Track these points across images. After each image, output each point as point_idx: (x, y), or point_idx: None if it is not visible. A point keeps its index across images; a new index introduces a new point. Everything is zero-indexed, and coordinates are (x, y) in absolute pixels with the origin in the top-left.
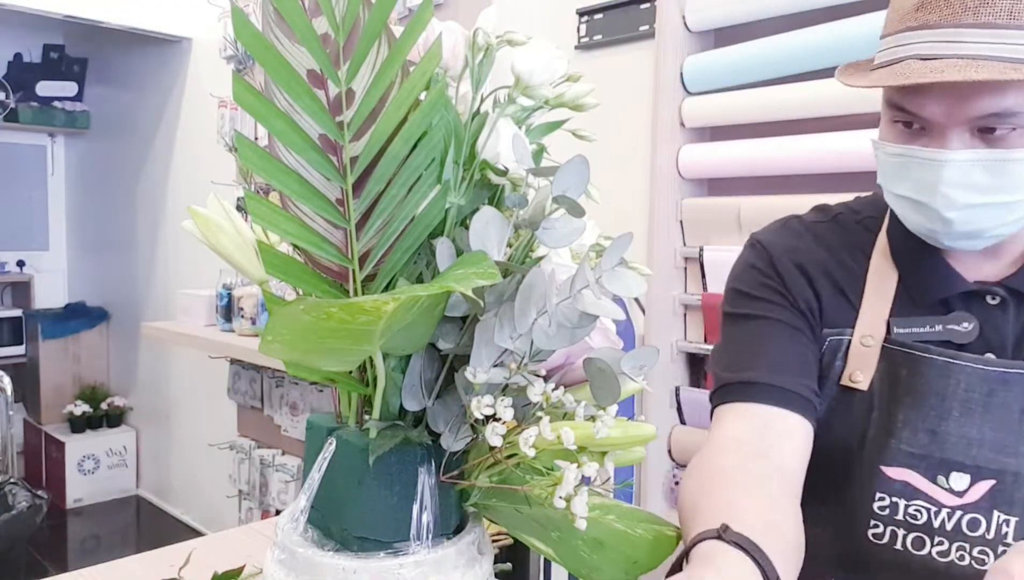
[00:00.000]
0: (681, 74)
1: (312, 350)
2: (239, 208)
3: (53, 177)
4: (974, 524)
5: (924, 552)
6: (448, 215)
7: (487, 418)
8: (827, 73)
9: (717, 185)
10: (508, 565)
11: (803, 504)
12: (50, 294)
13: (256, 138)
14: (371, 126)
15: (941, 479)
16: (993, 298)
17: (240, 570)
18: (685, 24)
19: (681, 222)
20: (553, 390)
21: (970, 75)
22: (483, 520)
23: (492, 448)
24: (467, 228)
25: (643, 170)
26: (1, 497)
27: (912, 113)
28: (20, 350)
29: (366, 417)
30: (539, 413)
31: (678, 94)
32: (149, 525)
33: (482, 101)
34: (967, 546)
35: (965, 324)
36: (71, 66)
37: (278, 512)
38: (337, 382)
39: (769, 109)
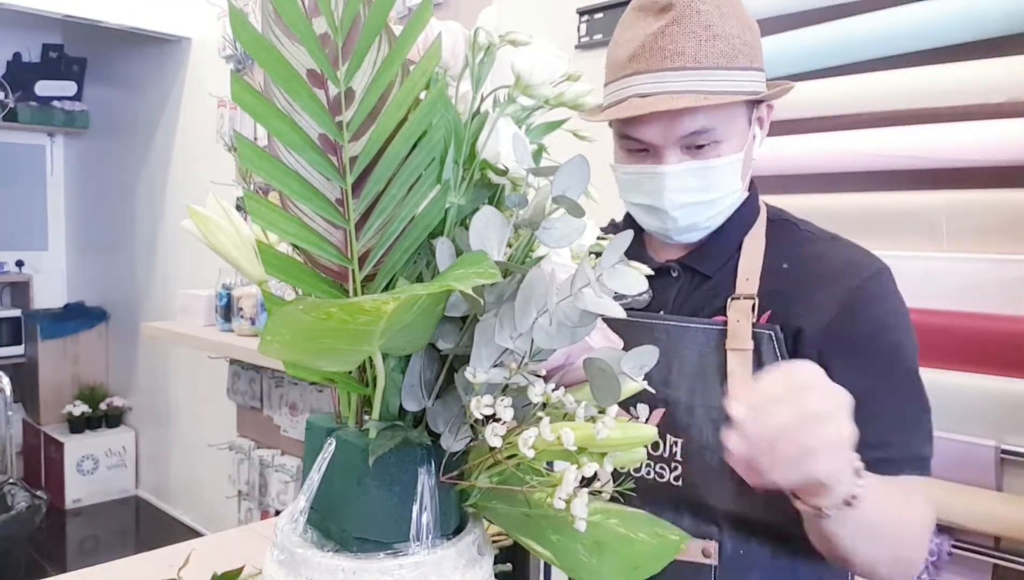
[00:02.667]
0: None
1: (312, 350)
2: (238, 208)
3: (52, 177)
4: (654, 446)
5: (639, 474)
6: (448, 215)
7: (487, 418)
8: (825, 73)
9: None
10: (508, 566)
11: None
12: (49, 294)
13: (255, 138)
14: (371, 126)
15: (632, 410)
16: (673, 272)
17: (240, 570)
18: None
19: None
20: (553, 390)
21: (674, 104)
22: (483, 521)
23: (492, 449)
24: (467, 228)
25: None
26: (0, 497)
27: (637, 139)
28: (19, 350)
29: (366, 417)
30: (539, 413)
31: None
32: (148, 525)
33: (482, 101)
34: (651, 463)
35: (643, 294)
36: (70, 66)
37: (278, 512)
38: (337, 382)
39: None
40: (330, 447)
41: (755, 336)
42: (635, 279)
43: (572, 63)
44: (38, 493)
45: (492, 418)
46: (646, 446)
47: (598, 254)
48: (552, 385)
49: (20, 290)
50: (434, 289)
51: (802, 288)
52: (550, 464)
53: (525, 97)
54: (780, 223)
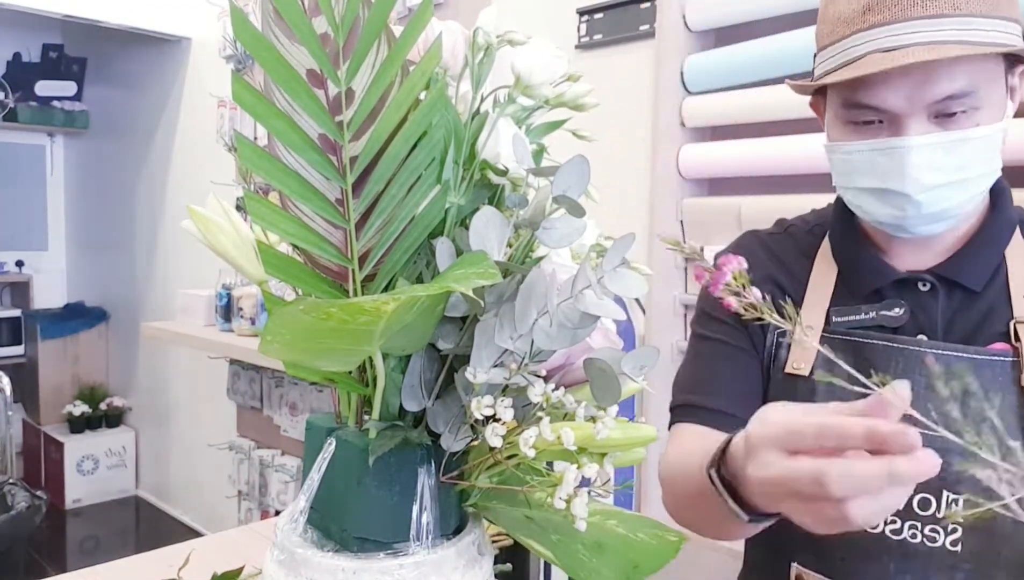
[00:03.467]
0: (681, 74)
1: (312, 350)
2: (238, 208)
3: (52, 177)
4: (925, 503)
5: (878, 531)
6: (448, 215)
7: (487, 418)
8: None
9: (717, 185)
10: (508, 566)
11: None
12: (49, 294)
13: (256, 138)
14: (371, 126)
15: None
16: (924, 285)
17: (240, 571)
18: (685, 24)
19: (681, 222)
20: (553, 390)
21: (937, 54)
22: (483, 521)
23: (492, 449)
24: (467, 228)
25: (643, 170)
26: (0, 497)
27: (872, 108)
28: (19, 350)
29: (366, 417)
30: (539, 414)
31: (678, 94)
32: (148, 525)
33: (482, 101)
34: (919, 524)
35: (897, 310)
36: (70, 66)
37: (278, 512)
38: (337, 382)
39: (769, 109)
40: (330, 447)
41: None
42: (636, 281)
43: (572, 63)
44: (38, 493)
45: (492, 418)
46: (915, 507)
47: (600, 254)
48: (552, 385)
49: (20, 290)
50: (434, 290)
51: None
52: (550, 464)
53: (525, 97)
54: None
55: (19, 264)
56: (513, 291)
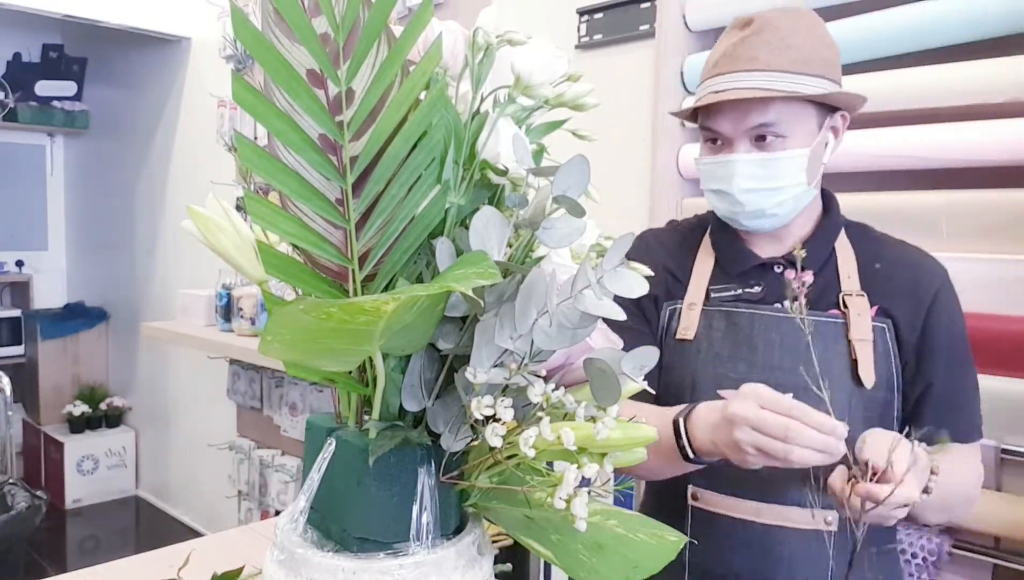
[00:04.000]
0: (681, 74)
1: (312, 350)
2: (238, 208)
3: (52, 177)
4: None
5: None
6: (448, 215)
7: (487, 418)
8: None
9: None
10: (508, 566)
11: None
12: (49, 294)
13: (256, 138)
14: (371, 126)
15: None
16: (777, 267)
17: (240, 570)
18: (685, 23)
19: None
20: (553, 390)
21: (741, 95)
22: (483, 521)
23: (492, 449)
24: (467, 228)
25: (643, 170)
26: (0, 497)
27: (713, 130)
28: (19, 350)
29: (366, 417)
30: (539, 414)
31: (678, 94)
32: (148, 525)
33: (482, 101)
34: None
35: (756, 287)
36: (70, 66)
37: (278, 512)
38: (337, 382)
39: None
40: (330, 447)
41: (872, 329)
42: (636, 281)
43: (572, 63)
44: (38, 493)
45: (492, 418)
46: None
47: (600, 254)
48: (552, 385)
49: (20, 290)
50: (434, 290)
51: (895, 286)
52: (550, 464)
53: (525, 97)
54: (856, 226)
55: (19, 264)
56: (513, 291)
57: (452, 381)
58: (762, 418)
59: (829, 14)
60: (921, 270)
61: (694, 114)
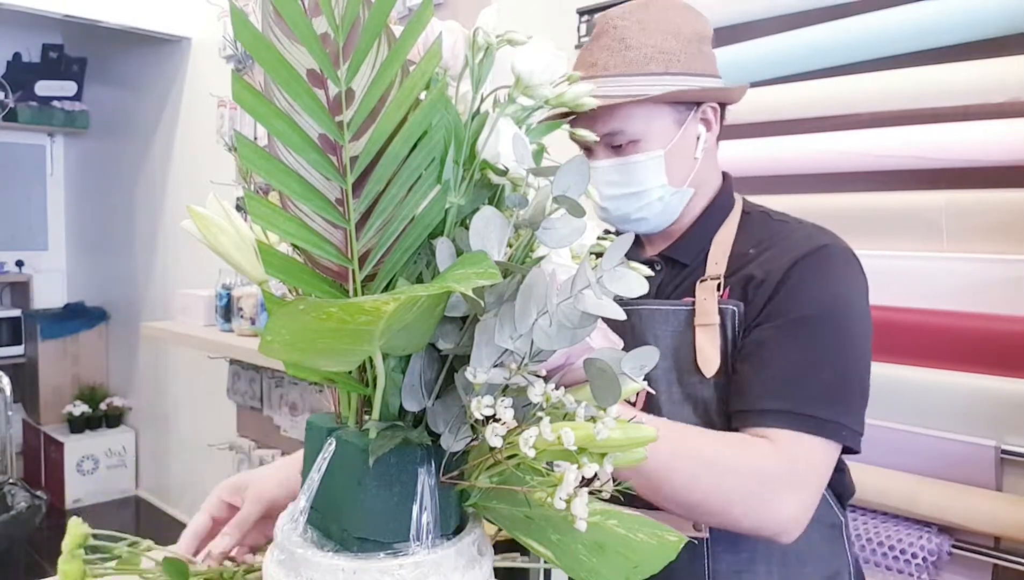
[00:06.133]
0: None
1: (312, 350)
2: (239, 208)
3: (52, 177)
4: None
5: None
6: (448, 215)
7: (487, 418)
8: (827, 73)
9: None
10: (515, 556)
11: None
12: (49, 294)
13: (256, 138)
14: (371, 126)
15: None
16: (657, 265)
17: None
18: None
19: None
20: (553, 391)
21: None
22: (483, 521)
23: (492, 449)
24: (467, 228)
25: None
26: (0, 497)
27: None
28: (19, 350)
29: (366, 417)
30: (539, 414)
31: None
32: (148, 525)
33: (482, 101)
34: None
35: None
36: (70, 66)
37: None
38: (337, 382)
39: (768, 109)
40: (330, 447)
41: (720, 312)
42: (636, 281)
43: (572, 63)
44: (38, 493)
45: (492, 418)
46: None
47: (598, 255)
48: (552, 385)
49: (20, 290)
50: (434, 290)
51: (760, 264)
52: (550, 464)
53: (525, 97)
54: (755, 214)
55: (19, 264)
56: (513, 291)
57: (452, 381)
58: None
59: (829, 14)
60: (788, 244)
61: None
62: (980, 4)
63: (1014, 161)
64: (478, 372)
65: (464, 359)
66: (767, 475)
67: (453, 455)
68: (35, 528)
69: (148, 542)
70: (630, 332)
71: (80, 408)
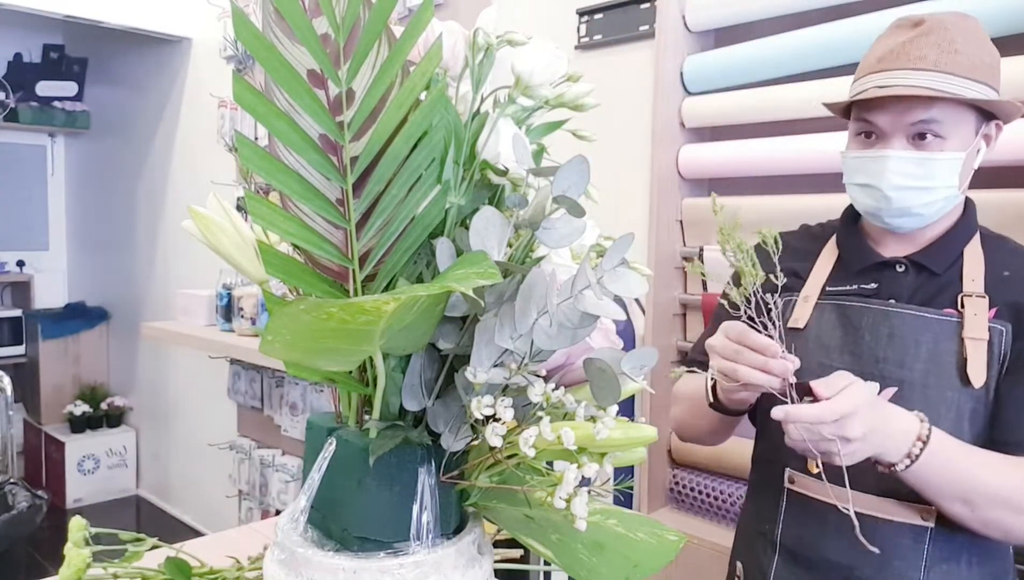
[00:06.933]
0: (681, 74)
1: (312, 350)
2: (239, 208)
3: (53, 177)
4: None
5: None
6: (448, 215)
7: (487, 418)
8: (827, 73)
9: (717, 185)
10: (519, 552)
11: (767, 422)
12: (50, 294)
13: (256, 138)
14: (371, 126)
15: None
16: (900, 266)
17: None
18: (685, 24)
19: (681, 222)
20: (553, 390)
21: (909, 91)
22: (483, 520)
23: (492, 448)
24: (467, 228)
25: (643, 170)
26: (1, 497)
27: (871, 122)
28: (20, 350)
29: (366, 417)
30: (539, 413)
31: (678, 94)
32: (149, 525)
33: (482, 101)
34: None
35: (872, 284)
36: (71, 66)
37: (278, 512)
38: (337, 382)
39: (769, 109)
40: (331, 447)
41: (989, 330)
42: (636, 281)
43: (572, 63)
44: (39, 493)
45: (492, 418)
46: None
47: (600, 254)
48: (552, 385)
49: (21, 290)
50: (434, 290)
51: (1022, 293)
52: (550, 464)
53: (525, 98)
54: (993, 237)
55: (20, 264)
56: (513, 291)
57: (452, 381)
58: (722, 344)
59: (830, 14)
60: None
61: (846, 109)
62: (980, 4)
63: (1014, 161)
64: (478, 372)
65: (464, 359)
66: None
67: (453, 455)
68: (36, 528)
69: (153, 540)
70: (888, 333)
71: (81, 408)
